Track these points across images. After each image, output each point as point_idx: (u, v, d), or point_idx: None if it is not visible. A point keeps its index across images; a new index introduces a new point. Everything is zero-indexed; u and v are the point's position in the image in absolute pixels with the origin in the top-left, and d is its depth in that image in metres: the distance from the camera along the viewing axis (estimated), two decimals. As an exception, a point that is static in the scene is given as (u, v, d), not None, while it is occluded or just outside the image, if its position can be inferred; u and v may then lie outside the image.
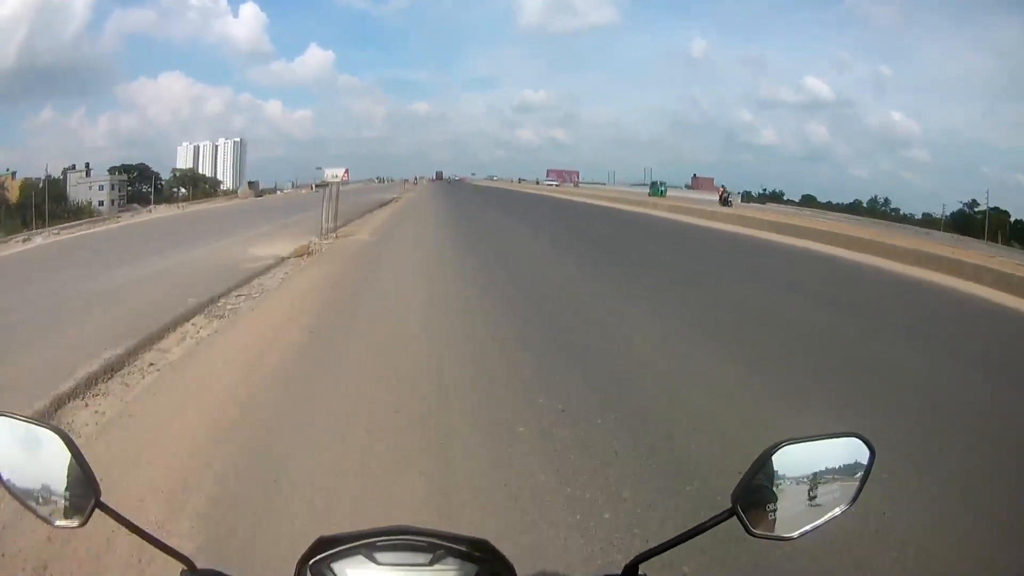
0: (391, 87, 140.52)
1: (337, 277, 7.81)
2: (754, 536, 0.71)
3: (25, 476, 0.71)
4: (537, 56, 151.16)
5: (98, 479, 0.71)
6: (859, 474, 0.74)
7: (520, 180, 74.72)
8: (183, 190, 60.28)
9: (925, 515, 2.35)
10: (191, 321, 5.46)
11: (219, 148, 71.78)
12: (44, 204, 44.62)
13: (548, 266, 8.87)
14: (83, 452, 0.71)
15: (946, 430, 3.25)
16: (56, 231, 20.57)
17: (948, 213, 52.67)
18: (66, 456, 0.70)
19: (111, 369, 4.04)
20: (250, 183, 55.67)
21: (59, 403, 3.42)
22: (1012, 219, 49.46)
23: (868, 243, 11.19)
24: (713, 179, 65.13)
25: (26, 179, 51.78)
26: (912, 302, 7.37)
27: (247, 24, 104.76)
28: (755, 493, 0.71)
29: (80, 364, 3.96)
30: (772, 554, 1.97)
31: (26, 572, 1.99)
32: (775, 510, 0.72)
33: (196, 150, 71.22)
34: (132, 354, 4.35)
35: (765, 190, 67.00)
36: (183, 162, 69.23)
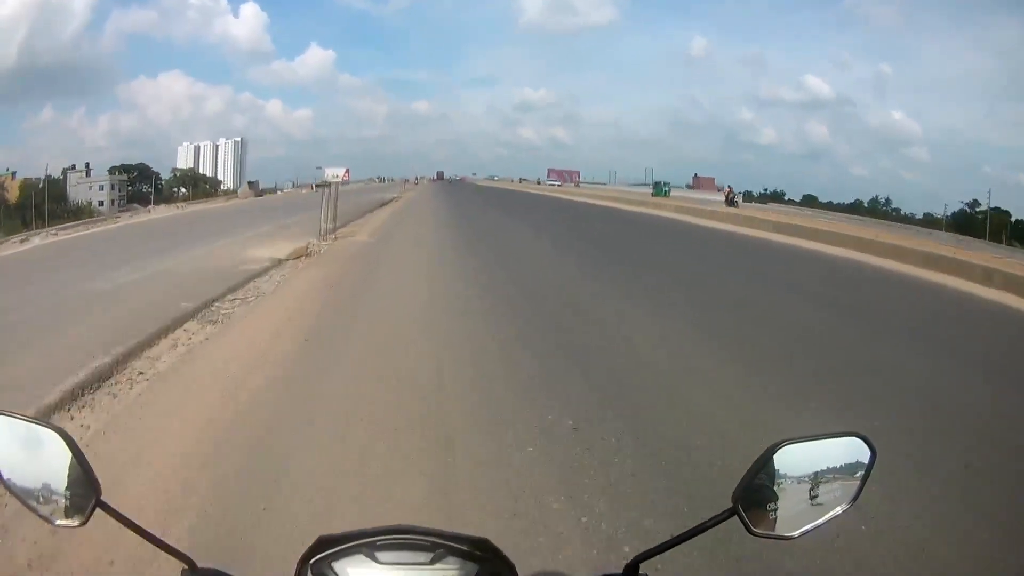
0: (391, 86, 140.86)
1: (335, 279, 7.74)
2: (755, 535, 0.71)
3: (26, 475, 0.71)
4: (537, 55, 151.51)
5: (98, 478, 0.71)
6: (860, 473, 0.74)
7: (521, 180, 74.78)
8: (183, 190, 60.30)
9: (925, 515, 2.35)
10: (184, 327, 5.29)
11: (219, 148, 71.81)
12: (44, 204, 44.64)
13: (550, 266, 8.87)
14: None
15: (947, 430, 3.25)
16: (54, 232, 20.49)
17: (949, 213, 52.67)
18: (67, 455, 0.70)
19: (99, 379, 3.87)
20: (250, 183, 55.63)
21: (44, 415, 3.23)
22: (1013, 219, 49.48)
23: (870, 243, 11.16)
24: (714, 179, 65.21)
25: (26, 179, 51.85)
26: (916, 303, 7.36)
27: (247, 23, 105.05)
28: (756, 492, 0.71)
29: (67, 373, 3.80)
30: (773, 553, 1.97)
31: (27, 571, 1.99)
32: (776, 509, 0.72)
33: (196, 150, 71.25)
34: (121, 363, 4.18)
35: (766, 190, 67.07)
36: (184, 162, 69.31)
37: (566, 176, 72.68)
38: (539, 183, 66.11)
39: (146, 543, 0.70)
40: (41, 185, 49.63)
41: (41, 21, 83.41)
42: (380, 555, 0.63)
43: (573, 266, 8.88)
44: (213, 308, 6.03)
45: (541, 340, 4.74)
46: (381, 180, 69.47)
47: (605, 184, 66.59)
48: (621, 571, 0.72)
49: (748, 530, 0.71)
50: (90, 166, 57.15)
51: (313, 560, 0.63)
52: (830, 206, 58.23)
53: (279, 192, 52.22)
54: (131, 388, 3.83)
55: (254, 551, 2.08)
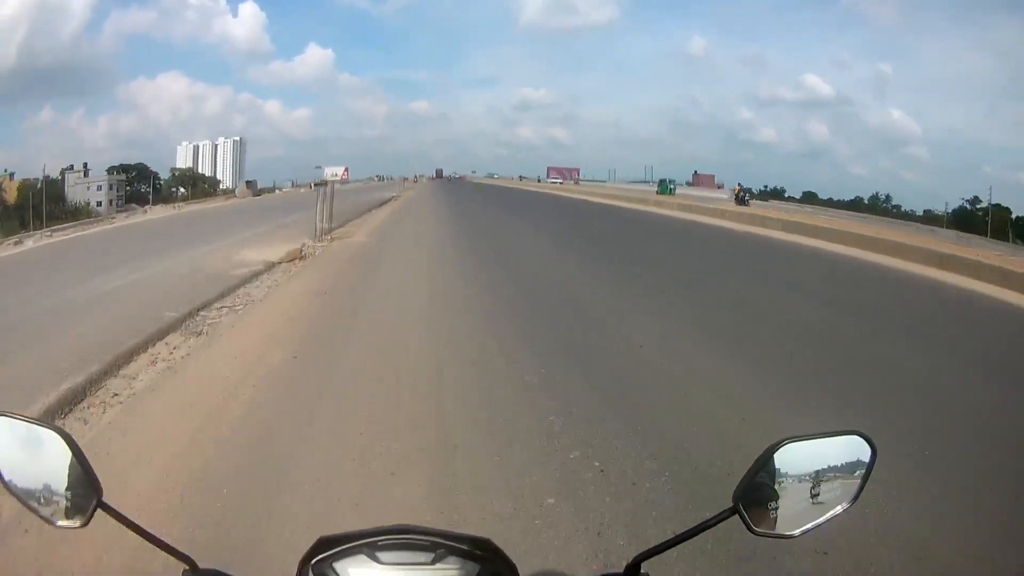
0: (391, 86, 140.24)
1: (331, 283, 7.44)
2: (756, 534, 0.71)
3: (26, 476, 0.71)
4: (537, 55, 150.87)
5: (99, 479, 0.71)
6: (861, 472, 0.74)
7: (521, 178, 74.67)
8: (182, 190, 60.24)
9: (925, 515, 2.35)
10: (165, 340, 4.95)
11: (219, 148, 71.66)
12: (42, 205, 44.56)
13: (550, 264, 8.86)
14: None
15: (947, 430, 3.25)
16: (49, 233, 20.38)
17: (950, 210, 52.61)
18: (67, 456, 0.70)
19: (70, 402, 3.59)
20: (248, 182, 55.42)
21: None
22: (1013, 216, 49.52)
23: (875, 241, 11.10)
24: (714, 176, 65.26)
25: (24, 180, 51.76)
26: (917, 300, 7.36)
27: (246, 23, 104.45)
28: (757, 491, 0.71)
29: (36, 393, 3.53)
30: (773, 552, 1.97)
31: (28, 572, 1.99)
32: (777, 508, 0.72)
33: (196, 150, 71.13)
34: (95, 382, 3.89)
35: (766, 187, 66.88)
36: (183, 162, 69.18)
37: (566, 174, 72.62)
38: (539, 181, 66.08)
39: (147, 543, 0.70)
40: (39, 186, 49.54)
41: (40, 21, 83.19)
42: (381, 555, 0.63)
43: (573, 264, 8.88)
44: (198, 318, 5.71)
45: (541, 339, 4.75)
46: (380, 179, 69.38)
47: (605, 182, 66.61)
48: (622, 570, 0.72)
49: (749, 529, 0.71)
50: (88, 166, 57.07)
51: (314, 560, 0.63)
52: (830, 203, 58.15)
53: (277, 191, 52.17)
54: (103, 413, 3.51)
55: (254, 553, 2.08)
